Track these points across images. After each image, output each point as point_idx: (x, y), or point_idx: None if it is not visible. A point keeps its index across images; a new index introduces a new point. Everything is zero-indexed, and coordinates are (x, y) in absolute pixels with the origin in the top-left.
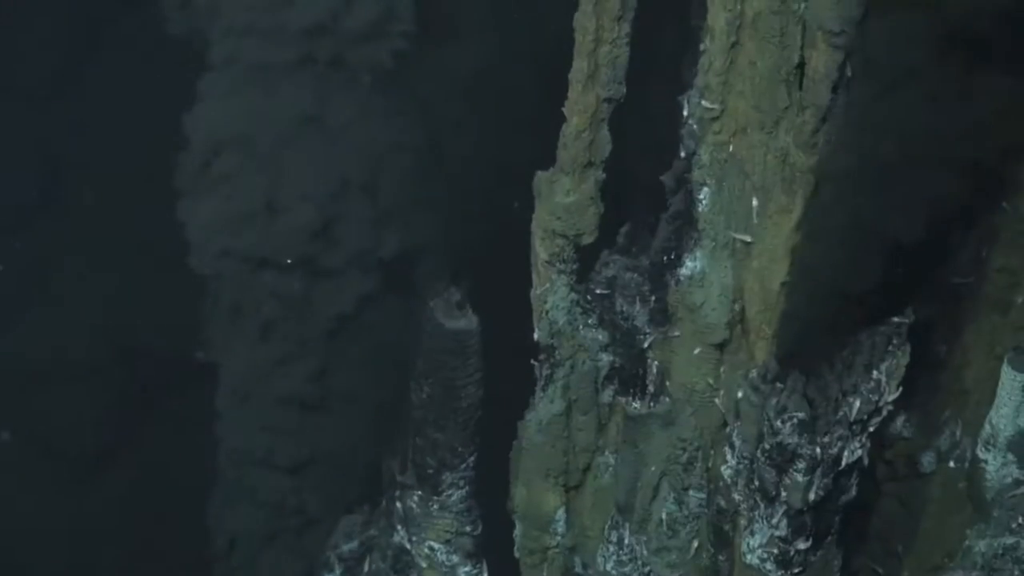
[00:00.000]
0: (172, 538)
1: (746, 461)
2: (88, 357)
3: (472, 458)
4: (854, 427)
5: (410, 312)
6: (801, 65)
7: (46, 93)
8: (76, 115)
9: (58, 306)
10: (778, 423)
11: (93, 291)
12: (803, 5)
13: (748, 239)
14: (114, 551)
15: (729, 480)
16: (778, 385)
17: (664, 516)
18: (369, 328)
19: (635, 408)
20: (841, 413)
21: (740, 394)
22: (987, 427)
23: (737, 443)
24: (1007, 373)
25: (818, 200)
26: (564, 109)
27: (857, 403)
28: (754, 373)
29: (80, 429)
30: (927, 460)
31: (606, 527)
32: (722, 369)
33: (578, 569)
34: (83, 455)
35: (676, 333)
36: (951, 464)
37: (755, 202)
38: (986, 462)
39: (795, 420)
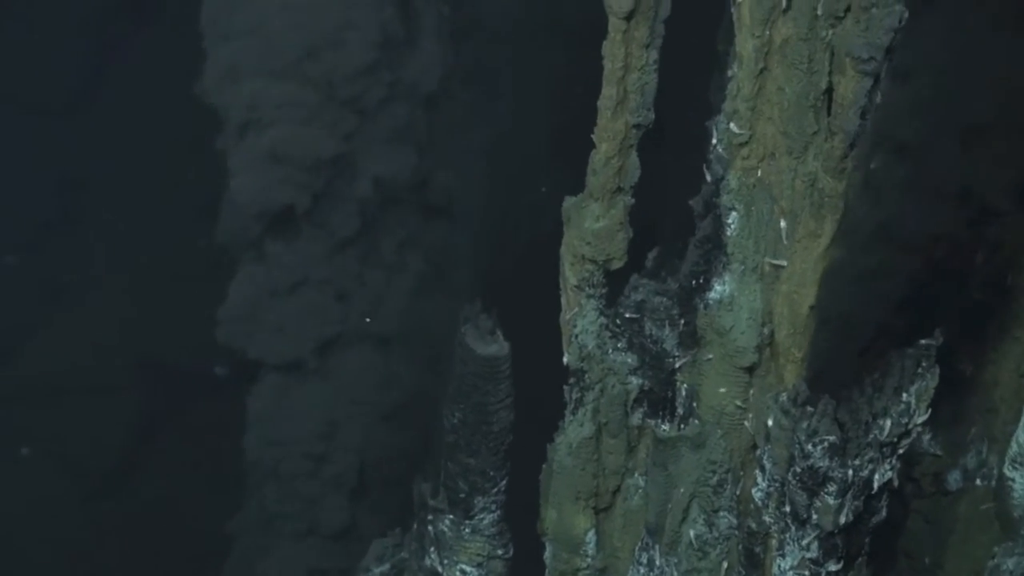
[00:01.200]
0: (191, 553)
1: (777, 484)
2: (108, 372)
3: (504, 482)
4: (884, 449)
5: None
6: (829, 91)
7: (65, 108)
8: (96, 130)
9: (78, 321)
10: (809, 446)
11: (113, 306)
12: (831, 32)
13: (783, 263)
14: (132, 566)
15: (760, 502)
16: (808, 409)
17: (694, 538)
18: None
19: (664, 431)
20: (872, 436)
21: (771, 421)
22: (1014, 446)
23: (768, 466)
24: None
25: (847, 221)
26: (593, 136)
27: (887, 425)
28: (784, 397)
29: (99, 444)
30: (954, 478)
31: (636, 548)
32: (751, 391)
33: None
34: (102, 470)
35: (707, 356)
36: (978, 482)
37: (784, 226)
38: (1013, 480)
39: (826, 443)
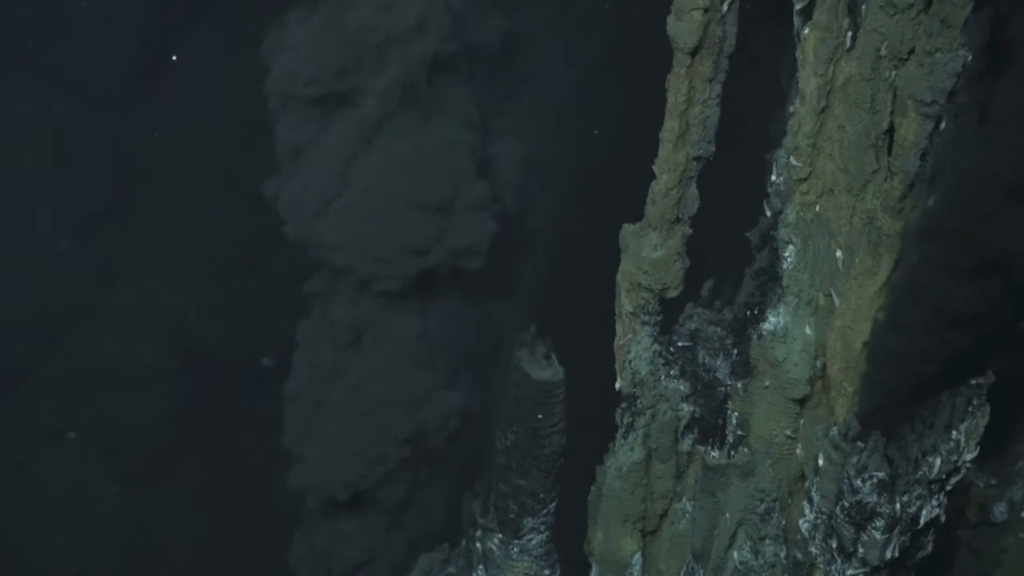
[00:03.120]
0: (233, 540)
1: (824, 516)
2: (154, 360)
3: (553, 504)
4: (933, 486)
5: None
6: (890, 131)
7: (120, 98)
8: (151, 121)
9: (126, 309)
10: (858, 482)
11: (161, 295)
12: (894, 73)
13: (838, 300)
14: (175, 551)
15: (806, 534)
16: (859, 444)
17: (739, 564)
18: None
19: (714, 458)
20: (920, 473)
21: (821, 454)
22: None
23: (816, 498)
24: None
25: (905, 265)
26: (653, 166)
27: (937, 463)
28: (835, 431)
29: (144, 431)
30: (999, 510)
31: (682, 572)
32: (801, 422)
33: None
34: (145, 457)
35: (759, 386)
36: (1023, 515)
37: (840, 262)
38: None
39: (875, 479)
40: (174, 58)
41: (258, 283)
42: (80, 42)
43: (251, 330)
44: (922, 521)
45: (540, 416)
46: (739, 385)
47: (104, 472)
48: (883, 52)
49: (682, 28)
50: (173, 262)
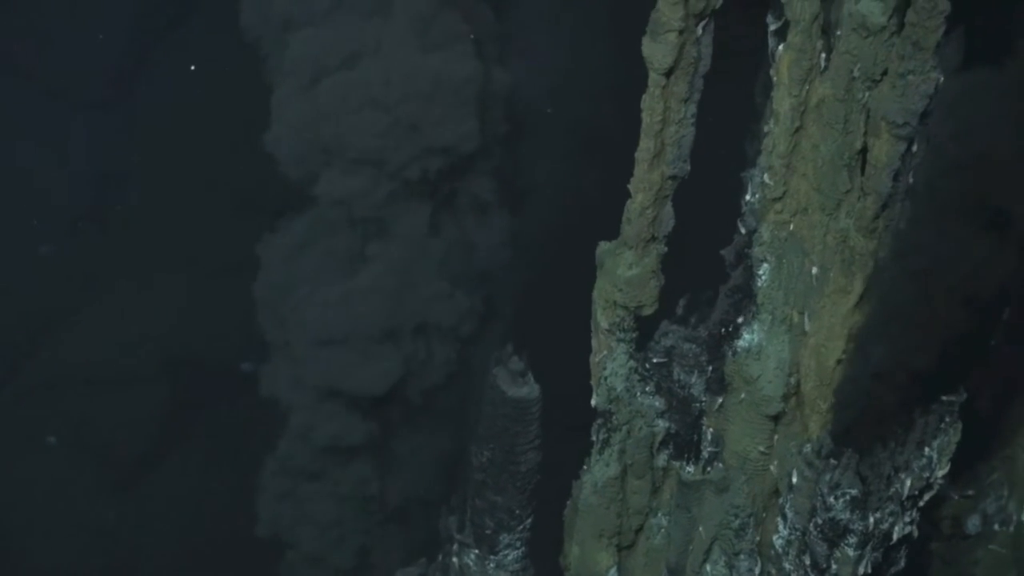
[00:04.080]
0: (215, 543)
1: (798, 533)
2: (136, 365)
3: (529, 520)
4: (906, 503)
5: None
6: (863, 151)
7: (101, 100)
8: (132, 124)
9: (108, 314)
10: (831, 499)
11: (143, 300)
12: (867, 94)
13: (809, 323)
14: (157, 555)
15: (780, 550)
16: (832, 462)
17: None
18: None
19: (689, 473)
20: (893, 490)
21: (795, 476)
22: None
23: (789, 515)
24: None
25: (878, 284)
26: (629, 186)
27: (909, 480)
28: (808, 448)
29: (127, 435)
30: (972, 523)
31: None
32: (775, 438)
33: None
34: (129, 461)
35: (734, 402)
36: (996, 527)
37: (815, 278)
38: None
39: (848, 497)
40: (192, 68)
41: (240, 287)
42: (60, 46)
43: (233, 334)
44: (895, 537)
45: (516, 433)
46: (714, 401)
47: (86, 475)
48: (856, 73)
49: (657, 49)
50: (155, 266)
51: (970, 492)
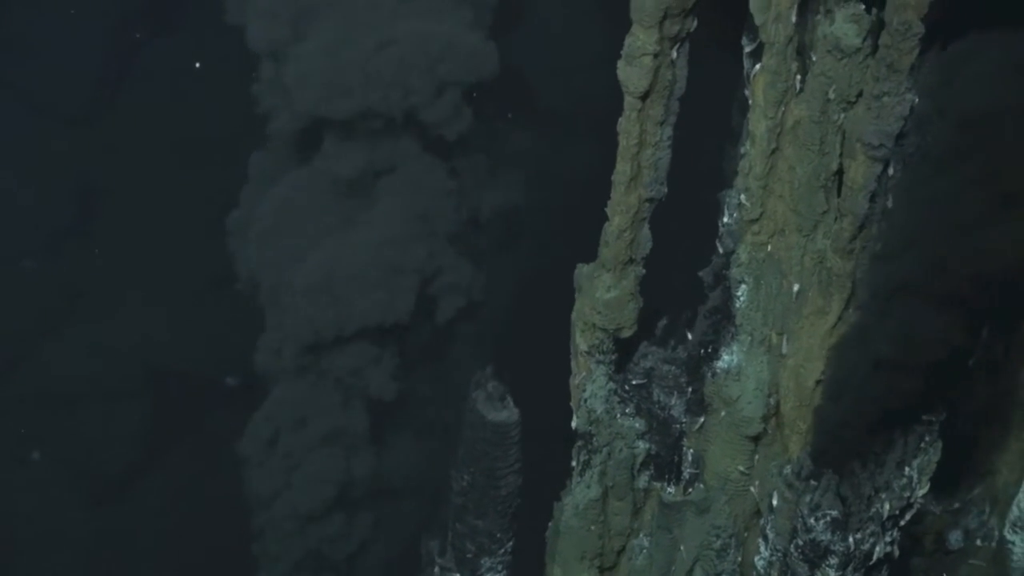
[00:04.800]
0: (198, 556)
1: (779, 554)
2: (120, 379)
3: (510, 543)
4: (886, 523)
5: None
6: (840, 172)
7: (82, 117)
8: (114, 139)
9: (91, 328)
10: (811, 520)
11: (126, 314)
12: (843, 116)
13: (787, 344)
14: (141, 569)
15: (762, 570)
16: (812, 483)
17: None
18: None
19: (670, 494)
20: (873, 510)
21: (775, 498)
22: (1015, 509)
23: (771, 535)
24: None
25: (857, 308)
26: (606, 209)
27: (889, 500)
28: (788, 470)
29: (110, 450)
30: (955, 538)
31: None
32: (756, 458)
33: None
34: (112, 475)
35: (713, 423)
36: (978, 543)
37: (795, 295)
38: (1013, 544)
39: (828, 518)
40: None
41: (224, 302)
42: (43, 61)
43: (216, 349)
44: (875, 557)
45: (496, 457)
46: (694, 422)
47: (70, 490)
48: (831, 95)
49: (632, 73)
50: (139, 281)
51: (956, 505)
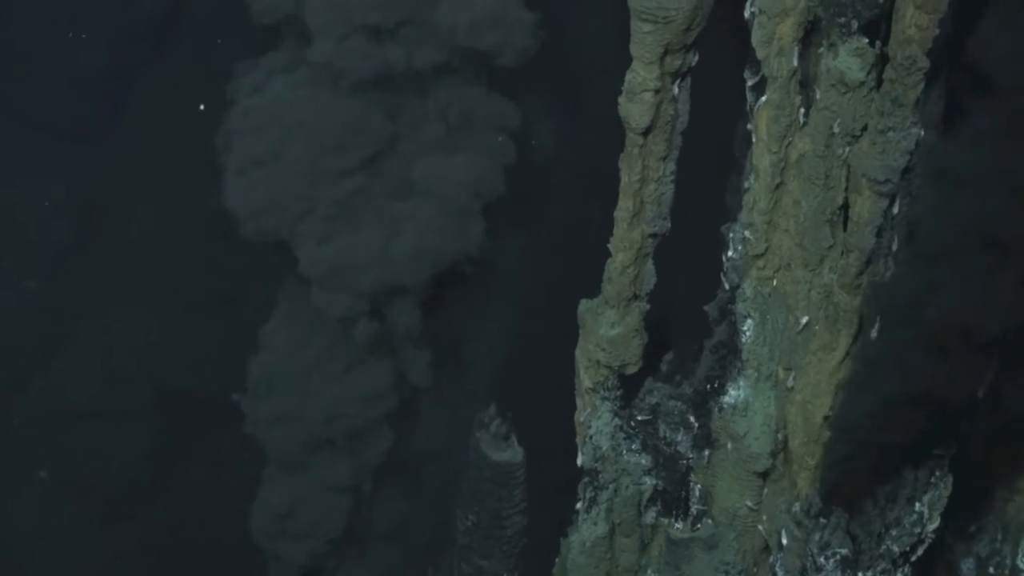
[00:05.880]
0: (205, 574)
1: None
2: (125, 398)
3: None
4: (898, 560)
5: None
6: (845, 206)
7: (82, 134)
8: (117, 157)
9: (96, 348)
10: (821, 559)
11: (131, 334)
12: (848, 150)
13: (793, 379)
14: None
15: None
16: (821, 521)
17: None
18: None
19: (678, 530)
20: (884, 547)
21: (784, 536)
22: None
23: (780, 574)
24: None
25: (865, 345)
26: (609, 245)
27: (900, 537)
28: (797, 507)
29: (116, 469)
30: (967, 566)
31: None
32: (765, 492)
33: None
34: (118, 494)
35: (721, 458)
36: (991, 571)
37: (799, 336)
38: None
39: (839, 556)
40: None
41: (229, 320)
42: (44, 78)
43: (222, 367)
44: None
45: (501, 497)
46: (701, 456)
47: (77, 510)
48: (836, 129)
49: (634, 109)
50: (143, 298)
51: (973, 528)
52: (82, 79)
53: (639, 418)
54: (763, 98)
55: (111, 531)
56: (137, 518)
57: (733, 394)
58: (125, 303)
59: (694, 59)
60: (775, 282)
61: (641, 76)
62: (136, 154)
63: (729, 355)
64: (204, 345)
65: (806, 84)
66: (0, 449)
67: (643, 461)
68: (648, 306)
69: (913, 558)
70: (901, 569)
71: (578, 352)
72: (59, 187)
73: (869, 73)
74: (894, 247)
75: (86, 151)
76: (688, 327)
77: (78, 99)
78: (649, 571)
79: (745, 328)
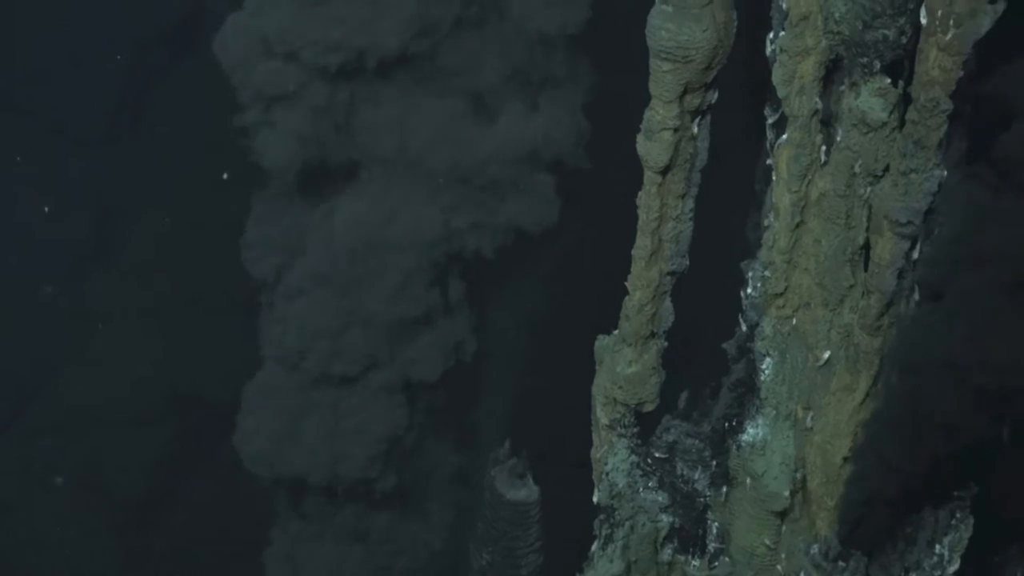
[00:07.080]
0: None
1: None
2: (141, 405)
3: None
4: None
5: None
6: (866, 246)
7: (100, 140)
8: (133, 162)
9: (113, 354)
10: None
11: (148, 340)
12: (869, 190)
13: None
14: None
15: None
16: (840, 564)
17: None
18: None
19: (695, 568)
20: None
21: (802, 574)
22: None
23: None
24: None
25: (885, 388)
26: (626, 283)
27: None
28: (815, 549)
29: (132, 476)
30: None
31: None
32: (783, 530)
33: None
34: (134, 502)
35: (738, 497)
36: None
37: (818, 376)
38: None
39: None
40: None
41: (244, 326)
42: (60, 83)
43: (238, 373)
44: None
45: (516, 536)
46: (719, 494)
47: (92, 517)
48: (857, 169)
49: (652, 148)
50: (158, 305)
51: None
52: (101, 85)
53: (656, 455)
54: (784, 136)
55: (127, 537)
56: (154, 524)
57: (751, 432)
58: (142, 309)
59: (714, 97)
60: (795, 321)
61: (660, 115)
62: (155, 161)
63: (747, 393)
64: (221, 352)
65: (827, 123)
66: (16, 455)
67: (660, 499)
68: (666, 344)
69: None
70: None
71: (594, 389)
72: (77, 193)
73: (891, 113)
74: (915, 295)
75: (105, 157)
76: (706, 365)
77: (97, 105)
78: None
79: (764, 367)
